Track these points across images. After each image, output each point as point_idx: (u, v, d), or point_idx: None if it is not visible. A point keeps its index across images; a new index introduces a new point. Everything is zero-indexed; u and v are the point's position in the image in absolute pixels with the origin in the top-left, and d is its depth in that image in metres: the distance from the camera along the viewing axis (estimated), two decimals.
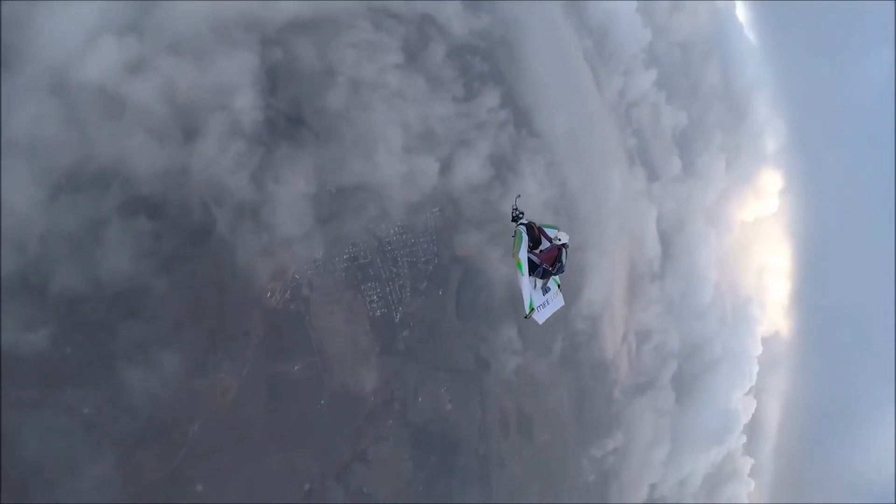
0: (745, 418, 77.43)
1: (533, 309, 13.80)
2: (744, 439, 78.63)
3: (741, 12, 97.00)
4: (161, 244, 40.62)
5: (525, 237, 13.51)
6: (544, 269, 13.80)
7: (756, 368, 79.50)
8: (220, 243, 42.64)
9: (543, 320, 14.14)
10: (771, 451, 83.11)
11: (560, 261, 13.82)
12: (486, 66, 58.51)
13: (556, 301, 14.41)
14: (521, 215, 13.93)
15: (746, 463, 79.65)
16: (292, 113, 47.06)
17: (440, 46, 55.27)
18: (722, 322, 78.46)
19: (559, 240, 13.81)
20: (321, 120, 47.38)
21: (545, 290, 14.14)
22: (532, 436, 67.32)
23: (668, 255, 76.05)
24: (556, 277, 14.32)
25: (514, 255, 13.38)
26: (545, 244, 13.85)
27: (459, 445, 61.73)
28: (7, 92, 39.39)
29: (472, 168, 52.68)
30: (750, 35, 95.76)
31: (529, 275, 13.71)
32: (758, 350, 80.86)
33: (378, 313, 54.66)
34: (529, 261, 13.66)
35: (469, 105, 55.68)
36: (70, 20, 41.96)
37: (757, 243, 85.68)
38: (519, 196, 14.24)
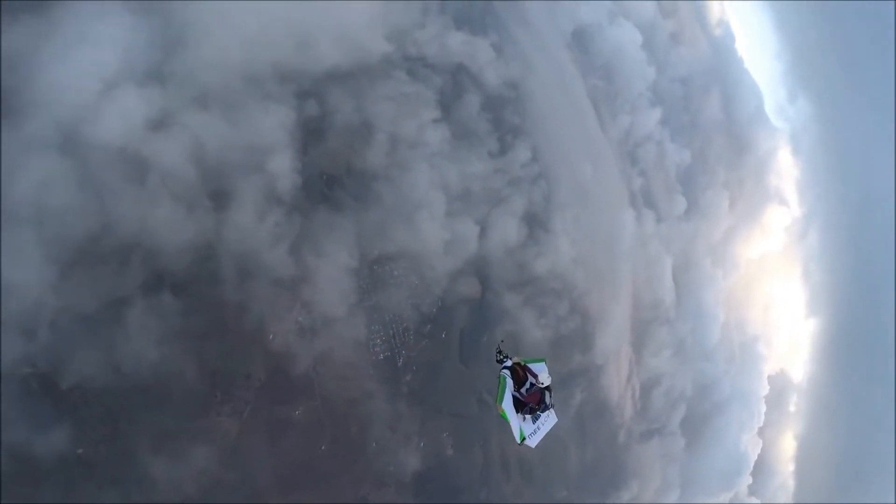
0: (753, 459, 78.18)
1: (525, 437, 13.93)
2: (749, 480, 79.13)
3: (741, 44, 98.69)
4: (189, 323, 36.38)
5: (510, 381, 13.75)
6: (531, 407, 14.01)
7: (763, 408, 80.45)
8: (255, 321, 38.71)
9: (536, 444, 14.13)
10: (777, 489, 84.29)
11: (544, 402, 14.08)
12: (516, 117, 56.26)
13: (548, 422, 14.43)
14: (505, 359, 14.11)
15: None
16: (331, 174, 43.40)
17: (474, 97, 52.55)
18: (730, 362, 78.87)
19: (542, 383, 13.96)
20: (361, 182, 43.94)
21: (535, 417, 14.20)
22: (534, 479, 66.71)
23: (676, 296, 75.94)
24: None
25: (498, 405, 13.66)
26: (530, 381, 13.99)
27: (461, 491, 60.30)
28: (8, 151, 34.13)
29: (509, 229, 50.37)
30: (751, 67, 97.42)
31: (517, 413, 13.91)
32: (765, 389, 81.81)
33: (381, 357, 52.19)
34: (515, 399, 13.92)
35: (504, 160, 53.27)
36: (84, 66, 36.85)
37: (763, 279, 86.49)
38: (503, 341, 14.68)
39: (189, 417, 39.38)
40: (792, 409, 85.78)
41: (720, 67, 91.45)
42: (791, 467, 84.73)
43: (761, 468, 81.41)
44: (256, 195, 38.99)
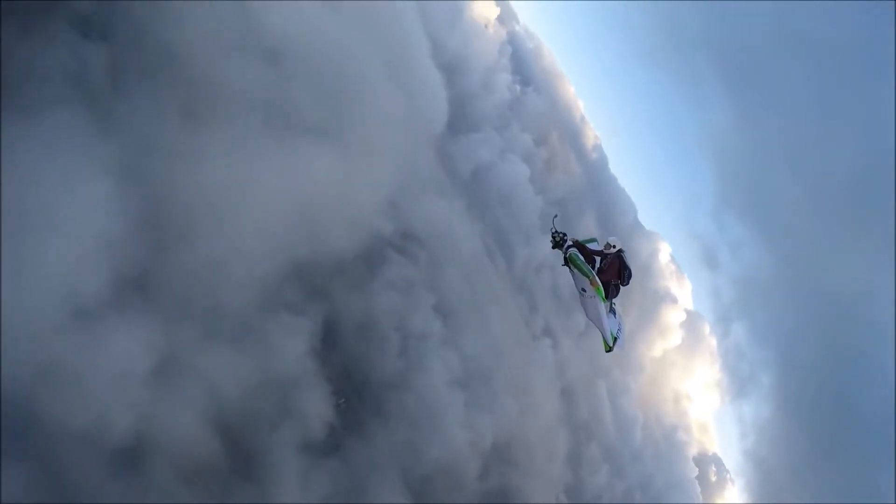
0: None
1: (616, 339, 12.05)
2: None
3: (614, 165, 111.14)
4: None
5: (581, 258, 11.58)
6: (614, 284, 12.03)
7: (699, 489, 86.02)
8: None
9: (622, 346, 12.42)
10: None
11: (627, 268, 12.05)
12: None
13: (623, 322, 12.80)
14: (564, 237, 11.94)
15: None
16: (351, 394, 36.36)
17: (454, 269, 50.25)
18: (657, 458, 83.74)
19: (614, 247, 12.05)
20: (382, 396, 37.70)
21: (613, 312, 12.23)
22: None
23: (598, 411, 79.62)
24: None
25: (592, 280, 11.32)
26: (597, 261, 12.09)
27: None
28: None
29: (508, 408, 48.03)
30: (624, 184, 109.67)
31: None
32: (694, 471, 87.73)
33: None
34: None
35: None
36: (47, 280, 24.30)
37: (668, 373, 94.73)
38: (556, 216, 12.59)
39: None
40: (713, 479, 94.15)
41: (595, 187, 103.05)
42: None
43: None
44: (292, 450, 30.51)
